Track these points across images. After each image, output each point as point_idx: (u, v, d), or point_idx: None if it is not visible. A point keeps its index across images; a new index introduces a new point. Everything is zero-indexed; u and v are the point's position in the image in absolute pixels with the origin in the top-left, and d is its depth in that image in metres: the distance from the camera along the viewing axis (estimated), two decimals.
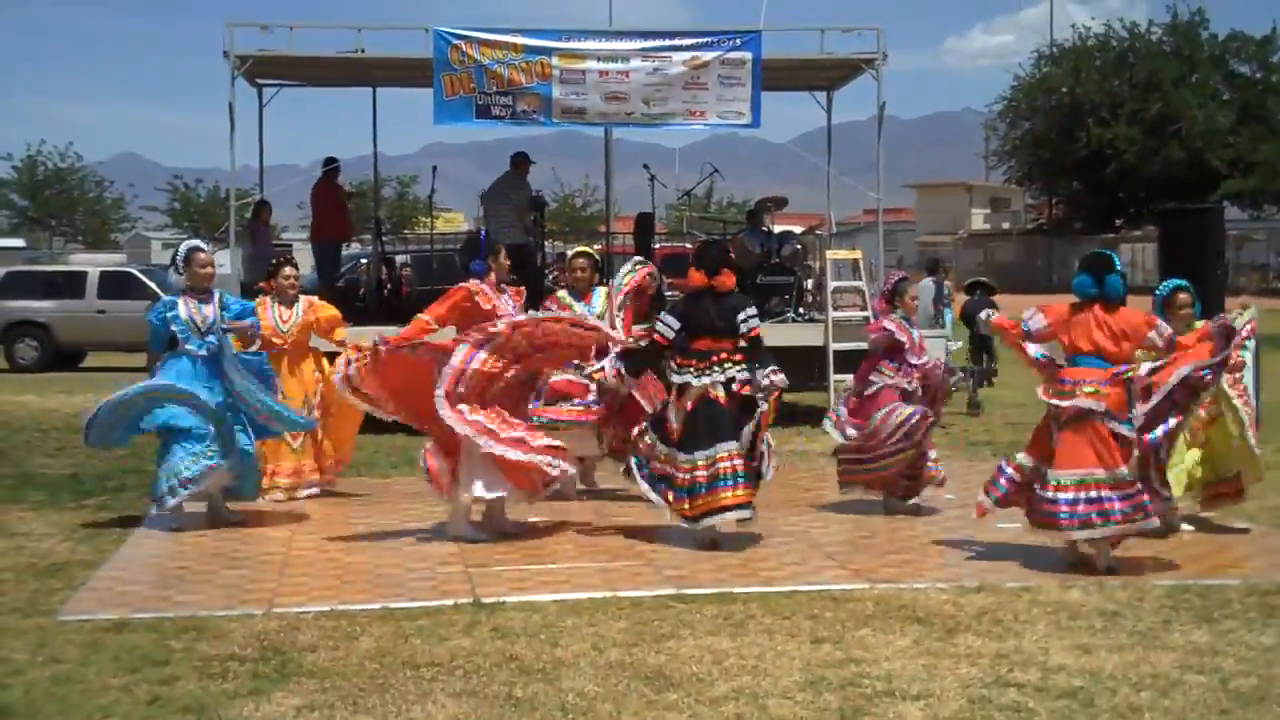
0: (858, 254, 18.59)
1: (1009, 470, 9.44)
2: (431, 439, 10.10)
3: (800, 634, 7.49)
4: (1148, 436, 9.01)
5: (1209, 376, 9.08)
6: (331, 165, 19.66)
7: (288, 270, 12.12)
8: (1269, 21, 66.01)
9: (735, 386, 9.83)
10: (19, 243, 60.61)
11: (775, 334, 17.04)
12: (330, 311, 12.34)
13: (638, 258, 11.18)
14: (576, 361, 10.78)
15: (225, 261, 18.94)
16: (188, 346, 10.70)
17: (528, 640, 7.38)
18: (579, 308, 11.45)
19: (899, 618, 7.81)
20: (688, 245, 24.46)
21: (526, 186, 19.09)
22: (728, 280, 10.14)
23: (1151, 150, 62.37)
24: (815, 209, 28.56)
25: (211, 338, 10.64)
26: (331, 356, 11.60)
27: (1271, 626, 7.62)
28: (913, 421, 10.81)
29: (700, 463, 9.69)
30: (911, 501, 11.23)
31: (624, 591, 8.45)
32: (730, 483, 9.66)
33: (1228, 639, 7.39)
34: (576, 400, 10.81)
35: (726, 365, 9.89)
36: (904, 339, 11.15)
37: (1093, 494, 8.91)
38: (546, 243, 20.25)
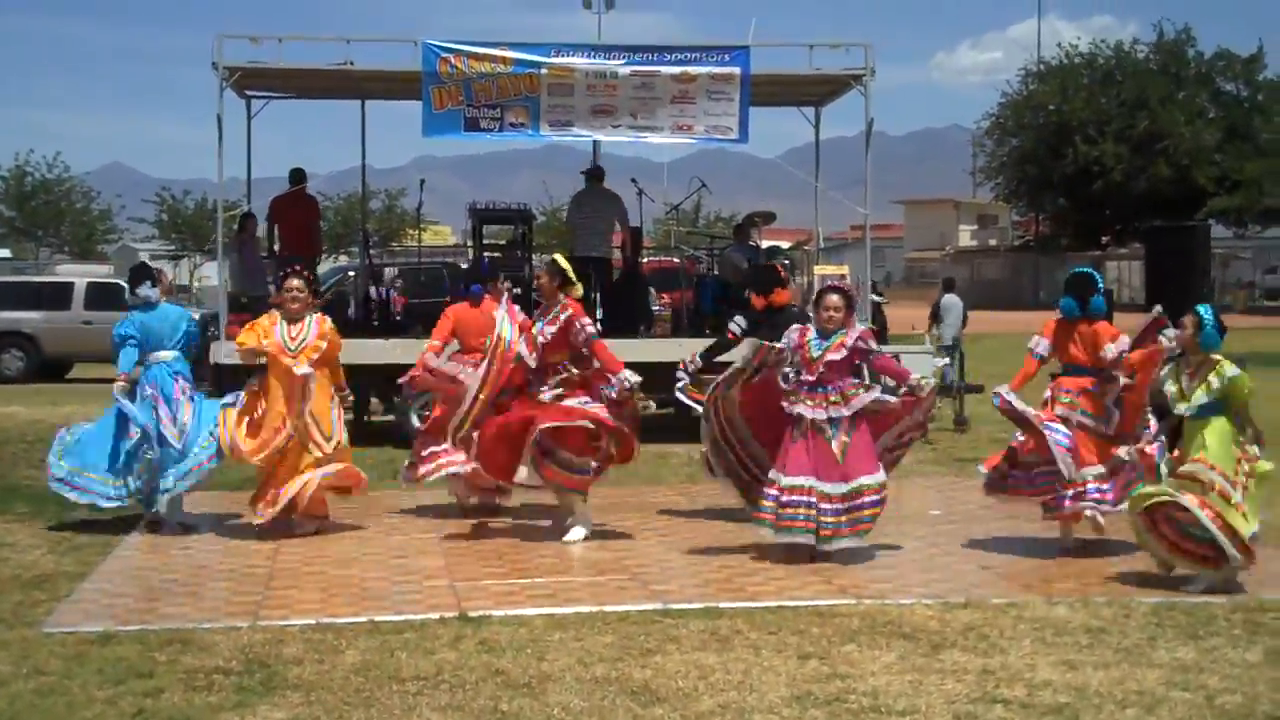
0: (845, 269, 18.63)
1: None
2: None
3: (786, 649, 7.49)
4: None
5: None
6: (300, 181, 19.38)
7: (292, 283, 11.08)
8: (1255, 40, 66.49)
9: None
10: (5, 253, 60.58)
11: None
12: (338, 342, 11.38)
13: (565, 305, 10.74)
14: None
15: (212, 273, 18.94)
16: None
17: (514, 654, 7.37)
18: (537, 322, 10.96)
19: (885, 633, 7.81)
20: (675, 260, 24.50)
21: (598, 200, 18.82)
22: (782, 296, 11.29)
23: (1138, 168, 62.66)
24: (803, 224, 28.61)
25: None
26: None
27: (1257, 644, 7.64)
28: None
29: None
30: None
31: (610, 606, 8.45)
32: None
33: (1213, 656, 7.40)
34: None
35: None
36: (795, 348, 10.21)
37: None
38: (534, 255, 20.15)
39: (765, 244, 19.53)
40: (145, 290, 11.42)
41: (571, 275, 10.81)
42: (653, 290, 21.73)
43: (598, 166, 18.63)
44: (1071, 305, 10.39)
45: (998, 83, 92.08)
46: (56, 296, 28.23)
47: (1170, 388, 9.28)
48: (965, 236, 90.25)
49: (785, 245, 21.93)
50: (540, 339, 10.64)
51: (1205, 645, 7.60)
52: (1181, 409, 9.19)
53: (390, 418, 17.36)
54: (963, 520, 11.64)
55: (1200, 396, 9.11)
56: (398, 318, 20.64)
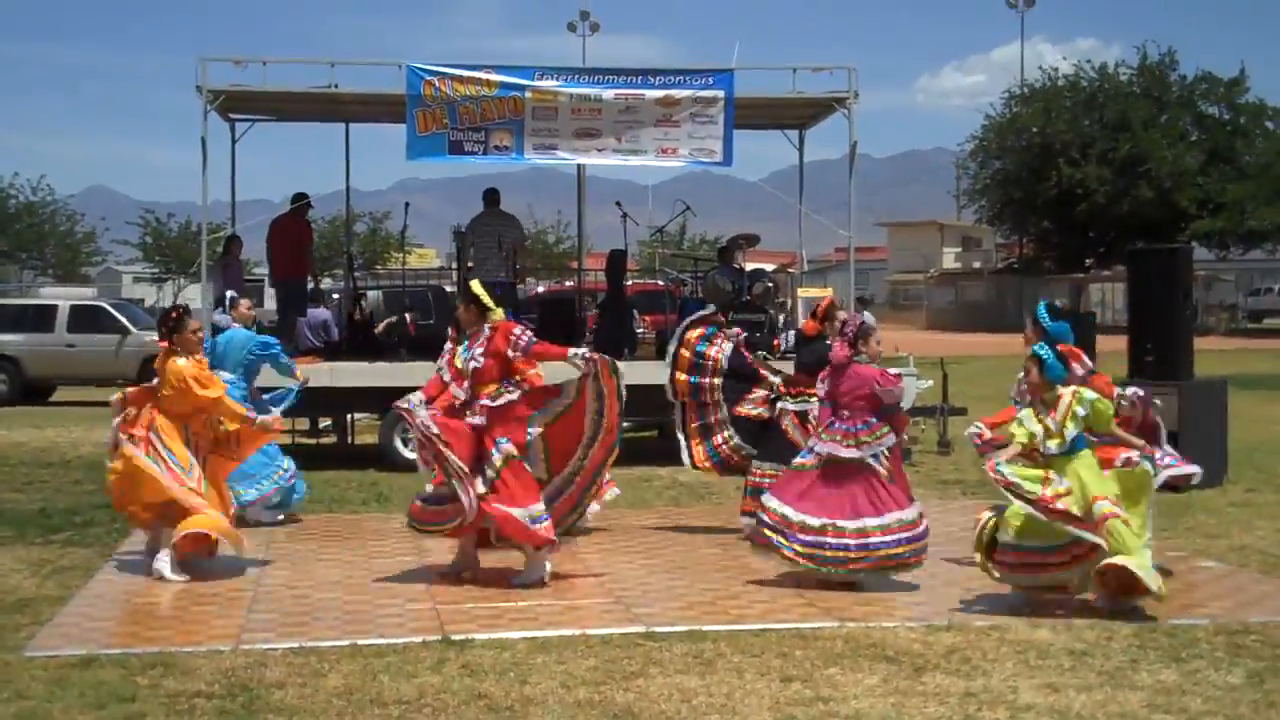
0: (829, 292, 18.65)
1: None
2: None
3: (770, 672, 7.49)
4: None
5: None
6: (302, 201, 19.45)
7: (195, 324, 10.66)
8: (1237, 63, 66.72)
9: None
10: None
11: None
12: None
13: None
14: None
15: (196, 296, 18.92)
16: None
17: (496, 678, 7.36)
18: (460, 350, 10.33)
19: (868, 656, 7.82)
20: (660, 282, 24.52)
21: (493, 224, 18.76)
22: (810, 327, 11.78)
23: (1121, 190, 62.78)
24: (787, 247, 28.69)
25: None
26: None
27: (1238, 666, 7.65)
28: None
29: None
30: None
31: (593, 629, 8.45)
32: None
33: (1195, 679, 7.41)
34: None
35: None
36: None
37: None
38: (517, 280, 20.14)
39: (750, 266, 19.55)
40: (217, 316, 13.11)
41: (489, 301, 10.26)
42: (636, 313, 21.72)
43: (493, 189, 18.56)
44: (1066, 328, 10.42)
45: (981, 105, 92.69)
46: (39, 319, 28.11)
47: (1034, 427, 9.11)
48: (949, 259, 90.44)
49: (769, 268, 21.92)
50: (473, 364, 10.08)
51: (1187, 668, 7.62)
52: (1053, 446, 9.04)
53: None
54: (946, 543, 11.62)
55: (1071, 429, 9.04)
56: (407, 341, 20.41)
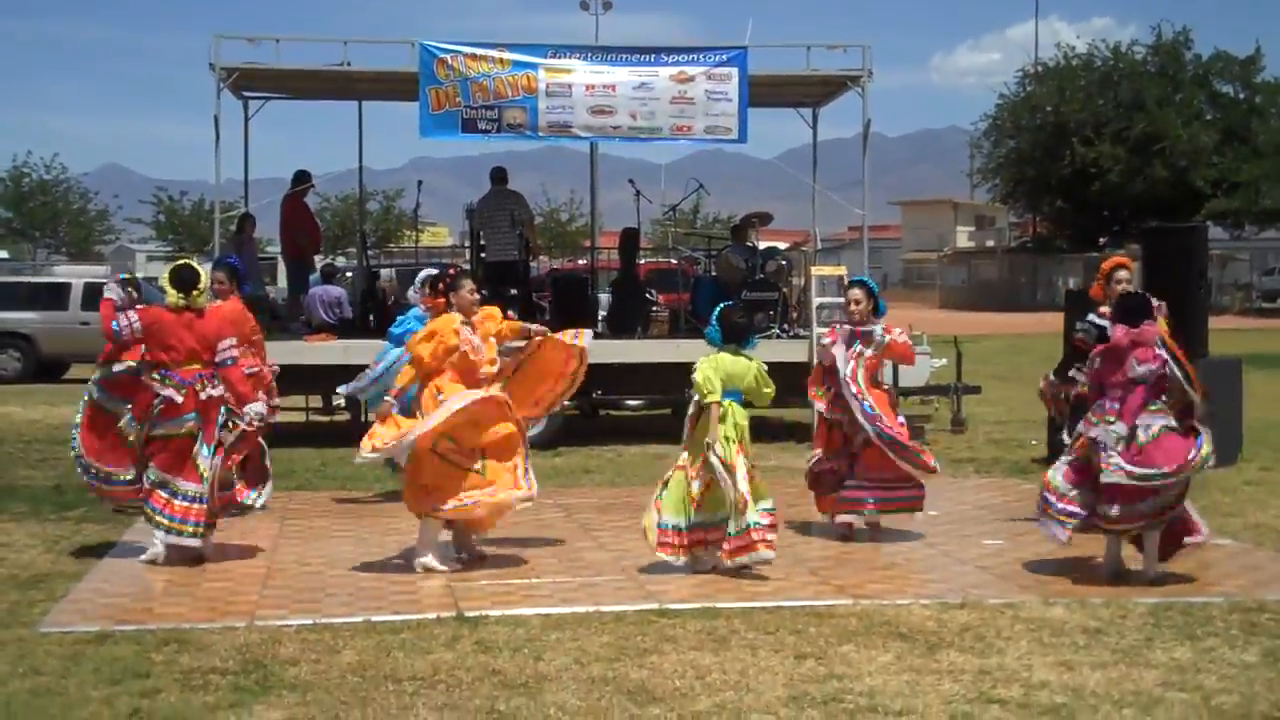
0: (842, 270, 18.61)
1: None
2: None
3: (783, 649, 7.49)
4: None
5: None
6: (304, 180, 19.51)
7: (470, 284, 10.16)
8: (1252, 42, 66.37)
9: None
10: (3, 254, 60.53)
11: (759, 350, 17.02)
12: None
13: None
14: None
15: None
16: None
17: (510, 654, 7.37)
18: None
19: (882, 634, 7.81)
20: (673, 261, 24.50)
21: (498, 202, 18.75)
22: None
23: (1135, 169, 62.58)
24: (800, 225, 28.60)
25: None
26: None
27: (1253, 644, 7.64)
28: None
29: None
30: None
31: (607, 606, 8.45)
32: None
33: (1210, 656, 7.40)
34: None
35: None
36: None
37: None
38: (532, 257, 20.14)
39: (763, 245, 19.53)
40: (411, 294, 12.77)
41: (164, 284, 10.07)
42: (654, 291, 21.73)
43: (499, 168, 18.52)
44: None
45: (996, 84, 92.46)
46: (53, 297, 28.17)
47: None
48: (963, 237, 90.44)
49: (783, 246, 21.88)
50: None
51: (1202, 645, 7.61)
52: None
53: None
54: (959, 521, 11.65)
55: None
56: None
